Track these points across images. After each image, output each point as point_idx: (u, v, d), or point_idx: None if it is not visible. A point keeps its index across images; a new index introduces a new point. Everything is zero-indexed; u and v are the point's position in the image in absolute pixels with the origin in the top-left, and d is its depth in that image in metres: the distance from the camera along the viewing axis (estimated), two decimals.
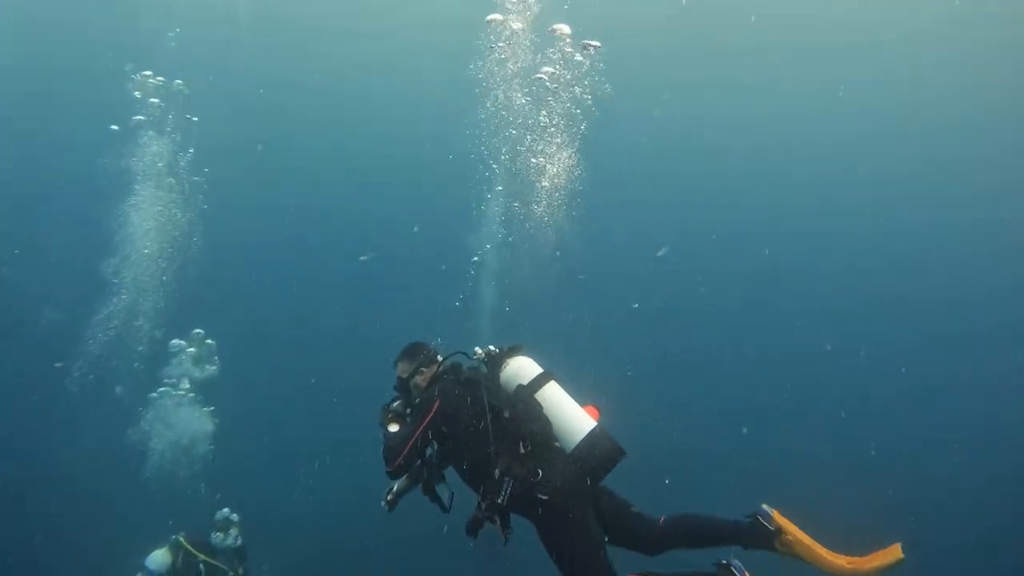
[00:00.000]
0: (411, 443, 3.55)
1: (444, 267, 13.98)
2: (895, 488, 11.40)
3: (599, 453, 3.50)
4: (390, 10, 19.90)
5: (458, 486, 3.80)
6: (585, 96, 10.14)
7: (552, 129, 10.24)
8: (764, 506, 3.48)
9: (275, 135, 18.06)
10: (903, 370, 14.38)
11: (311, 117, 19.05)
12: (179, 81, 11.73)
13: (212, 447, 10.00)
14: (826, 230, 17.79)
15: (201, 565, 6.53)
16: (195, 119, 12.04)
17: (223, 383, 10.86)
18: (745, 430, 12.66)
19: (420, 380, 3.91)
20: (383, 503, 3.96)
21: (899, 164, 18.30)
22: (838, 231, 17.74)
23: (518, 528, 3.58)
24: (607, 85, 10.26)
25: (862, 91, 19.16)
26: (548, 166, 10.40)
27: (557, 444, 3.57)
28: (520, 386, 3.67)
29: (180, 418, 10.08)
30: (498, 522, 3.50)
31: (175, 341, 10.62)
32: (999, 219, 17.21)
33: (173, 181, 11.63)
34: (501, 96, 10.23)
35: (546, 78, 9.90)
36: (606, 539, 3.54)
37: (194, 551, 6.57)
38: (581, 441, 3.51)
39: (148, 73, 11.51)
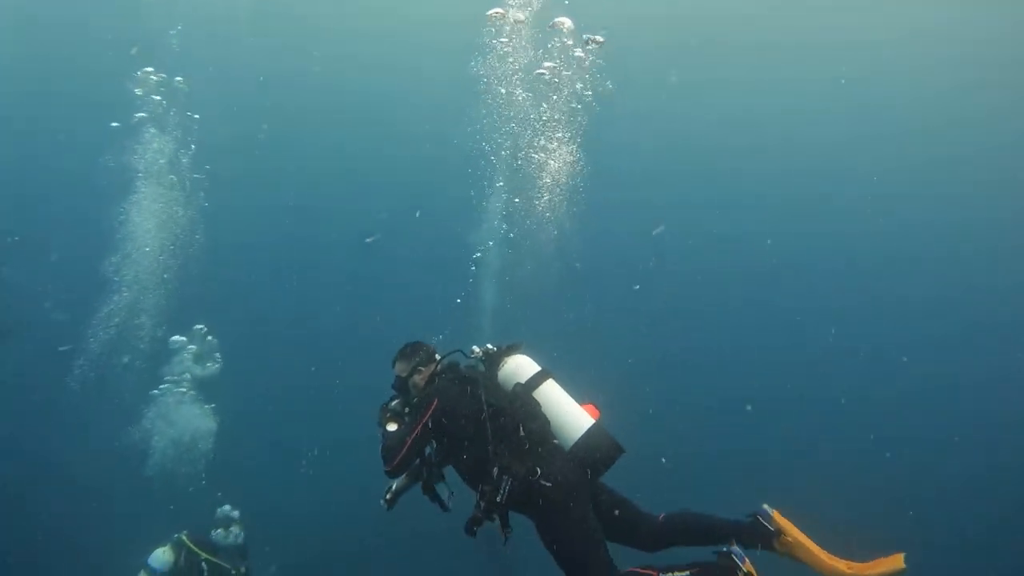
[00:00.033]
0: (409, 442, 3.56)
1: (445, 260, 14.00)
2: (895, 488, 11.40)
3: (597, 450, 3.52)
4: (391, 7, 19.88)
5: (458, 485, 3.80)
6: (586, 92, 10.10)
7: (553, 124, 10.21)
8: (765, 506, 3.49)
9: (276, 133, 18.05)
10: (904, 359, 14.38)
11: (312, 114, 19.04)
12: (179, 78, 11.73)
13: (212, 447, 10.00)
14: (826, 228, 17.77)
15: (203, 564, 6.53)
16: (196, 116, 12.03)
17: (224, 381, 10.86)
18: (749, 407, 12.68)
19: (418, 379, 3.93)
20: (382, 502, 3.97)
21: (905, 161, 18.27)
22: (838, 230, 17.72)
23: (518, 528, 3.58)
24: (608, 82, 10.23)
25: (862, 91, 19.13)
26: (550, 162, 10.37)
27: (555, 442, 3.59)
28: (518, 384, 3.69)
29: (181, 415, 10.09)
30: (497, 521, 3.51)
31: (176, 337, 10.63)
32: (1001, 217, 17.18)
33: (174, 178, 11.62)
34: (504, 91, 10.19)
35: (547, 73, 9.86)
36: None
37: (197, 550, 6.57)
38: (579, 439, 3.54)
39: (150, 69, 11.50)
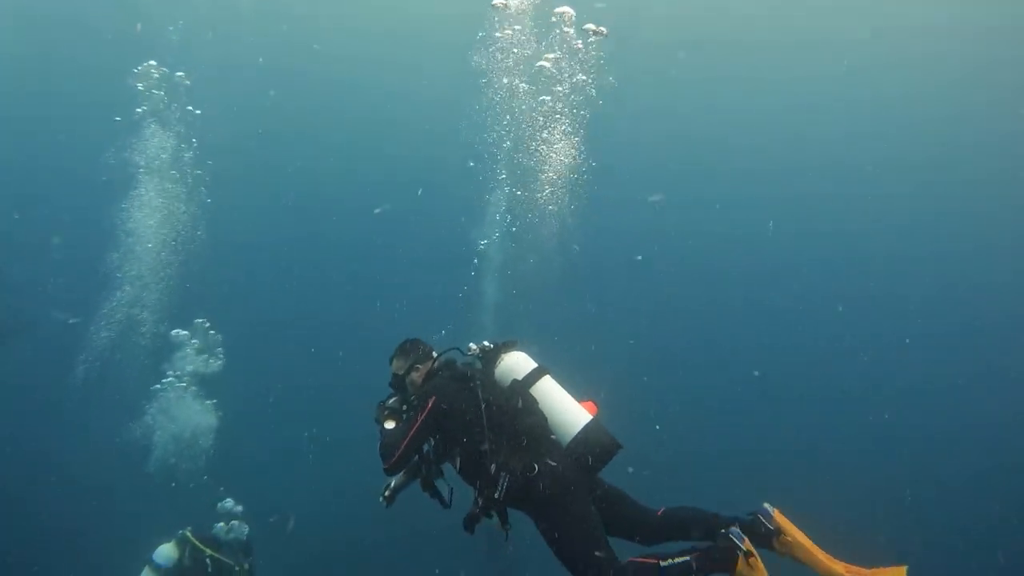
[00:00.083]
0: (407, 440, 3.56)
1: (447, 255, 13.97)
2: (895, 488, 11.39)
3: (595, 446, 3.52)
4: (392, 4, 19.84)
5: (457, 482, 3.80)
6: (588, 85, 10.05)
7: (558, 116, 10.17)
8: (766, 505, 3.48)
9: (277, 128, 18.05)
10: (904, 348, 14.36)
11: (314, 110, 19.02)
12: (180, 73, 11.69)
13: (211, 445, 9.99)
14: (826, 228, 17.74)
15: (208, 560, 6.53)
16: (198, 112, 12.01)
17: (226, 377, 10.85)
18: (757, 373, 12.62)
19: (415, 377, 3.93)
20: (380, 499, 3.98)
21: (906, 159, 18.23)
22: (838, 229, 17.69)
23: (518, 525, 3.58)
24: (610, 77, 10.19)
25: (862, 90, 19.08)
26: (551, 155, 10.35)
27: (553, 438, 3.59)
28: (515, 381, 3.69)
29: (183, 411, 10.08)
30: (496, 517, 3.51)
31: (177, 331, 10.61)
32: (1002, 215, 17.13)
33: (176, 174, 11.61)
34: (506, 83, 10.15)
35: (548, 65, 9.82)
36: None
37: (201, 546, 6.57)
38: (577, 435, 3.54)
39: (152, 63, 11.45)
